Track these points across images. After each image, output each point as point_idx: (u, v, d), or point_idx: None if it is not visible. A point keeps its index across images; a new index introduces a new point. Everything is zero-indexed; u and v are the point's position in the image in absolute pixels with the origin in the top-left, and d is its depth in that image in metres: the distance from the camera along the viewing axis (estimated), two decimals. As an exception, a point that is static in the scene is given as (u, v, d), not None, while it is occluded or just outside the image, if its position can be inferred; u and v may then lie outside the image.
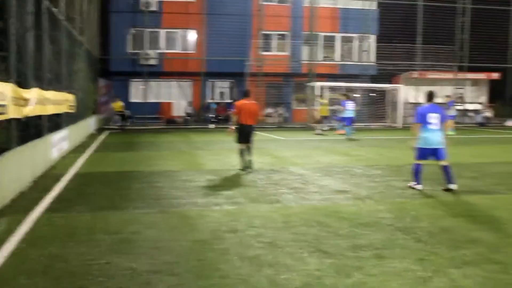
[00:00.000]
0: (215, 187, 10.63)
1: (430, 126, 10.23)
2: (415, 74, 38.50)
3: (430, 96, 10.51)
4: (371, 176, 12.15)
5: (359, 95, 38.05)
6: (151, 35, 34.98)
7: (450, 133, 28.35)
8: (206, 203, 8.98)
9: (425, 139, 10.27)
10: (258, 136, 25.01)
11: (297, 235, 6.92)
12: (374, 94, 37.43)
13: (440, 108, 10.49)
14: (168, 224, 7.47)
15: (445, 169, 10.26)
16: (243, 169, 13.12)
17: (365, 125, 33.64)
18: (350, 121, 24.08)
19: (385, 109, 36.27)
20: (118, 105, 30.54)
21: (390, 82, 38.78)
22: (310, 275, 5.37)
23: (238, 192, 10.07)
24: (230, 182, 11.31)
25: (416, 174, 10.46)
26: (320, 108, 29.36)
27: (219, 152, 17.49)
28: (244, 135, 13.30)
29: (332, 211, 8.37)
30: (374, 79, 37.67)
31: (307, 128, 30.59)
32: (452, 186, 10.17)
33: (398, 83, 37.29)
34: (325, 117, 29.25)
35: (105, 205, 8.82)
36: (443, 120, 10.30)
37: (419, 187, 10.41)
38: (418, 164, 10.44)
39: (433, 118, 10.24)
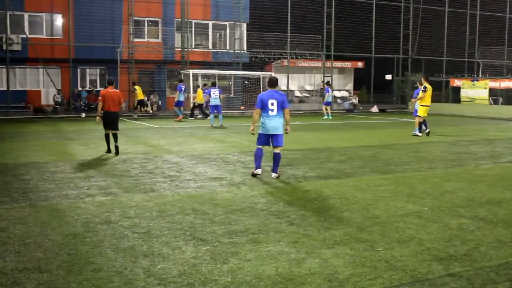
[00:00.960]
0: (87, 178, 10.27)
1: (269, 112, 10.27)
2: (286, 62, 39.67)
3: (271, 82, 10.51)
4: (245, 163, 12.34)
5: (231, 83, 38.55)
6: (13, 18, 32.82)
7: (326, 118, 29.71)
8: (77, 195, 8.65)
9: (264, 124, 10.37)
10: (131, 125, 24.55)
11: (172, 224, 6.88)
12: (246, 82, 38.08)
13: (280, 94, 10.44)
14: (37, 219, 7.10)
15: (275, 156, 10.43)
16: (108, 152, 14.06)
17: (240, 112, 34.15)
18: (215, 108, 24.17)
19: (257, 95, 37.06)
20: None
21: (262, 70, 39.71)
22: (187, 263, 5.38)
23: (112, 182, 9.81)
24: (103, 172, 10.98)
25: (256, 158, 10.50)
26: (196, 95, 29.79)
27: (91, 142, 16.91)
28: (109, 122, 14.14)
29: (208, 198, 8.41)
30: (246, 66, 38.29)
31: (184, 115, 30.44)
32: (276, 175, 10.38)
33: (270, 71, 38.23)
34: (200, 105, 29.42)
35: (-35, 201, 8.20)
36: (281, 106, 10.30)
37: (258, 171, 10.47)
38: (258, 149, 10.50)
39: (272, 105, 10.27)
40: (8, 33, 32.25)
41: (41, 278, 4.96)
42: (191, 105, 30.59)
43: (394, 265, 5.37)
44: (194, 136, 18.91)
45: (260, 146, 10.48)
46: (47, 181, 9.97)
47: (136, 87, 31.04)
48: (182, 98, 28.30)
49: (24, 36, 32.91)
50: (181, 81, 30.00)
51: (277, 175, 10.38)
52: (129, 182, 9.90)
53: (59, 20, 34.47)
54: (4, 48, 32.21)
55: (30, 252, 5.72)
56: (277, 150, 10.43)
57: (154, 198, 8.47)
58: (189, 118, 29.30)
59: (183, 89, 28.60)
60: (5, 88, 32.94)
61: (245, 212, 7.55)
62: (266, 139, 10.44)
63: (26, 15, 33.62)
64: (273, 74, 36.39)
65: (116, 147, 13.97)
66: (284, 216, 7.30)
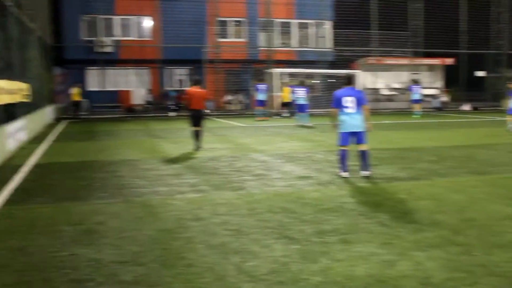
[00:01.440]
0: (177, 175, 10.58)
1: (347, 110, 10.13)
2: (372, 60, 39.00)
3: (347, 79, 10.41)
4: (333, 162, 12.23)
5: (318, 81, 38.39)
6: (105, 22, 34.34)
7: (416, 116, 29.04)
8: (169, 192, 8.93)
9: (344, 122, 10.22)
10: (219, 123, 25.03)
11: (262, 222, 6.95)
12: (334, 80, 37.78)
13: (357, 91, 10.29)
14: (132, 214, 7.40)
15: (362, 154, 10.24)
16: (196, 149, 14.81)
17: (325, 111, 33.91)
18: (302, 108, 24.14)
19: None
20: (76, 92, 30.11)
21: (347, 68, 39.18)
22: (277, 262, 5.41)
23: (201, 180, 10.05)
24: (193, 170, 11.27)
25: (342, 160, 10.33)
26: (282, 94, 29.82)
27: (180, 140, 17.40)
28: (195, 119, 15.05)
29: (296, 197, 8.43)
30: (332, 65, 37.98)
31: (270, 114, 30.65)
32: (366, 173, 10.17)
33: (356, 69, 37.71)
34: (286, 104, 29.49)
35: (67, 196, 8.68)
36: (360, 103, 10.12)
37: (346, 174, 10.24)
38: (342, 150, 10.35)
39: (349, 102, 10.11)
40: (101, 35, 33.76)
41: (136, 271, 5.16)
42: (277, 104, 30.77)
43: (493, 271, 5.15)
44: (280, 135, 19.01)
45: (344, 147, 10.35)
46: (139, 178, 10.36)
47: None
48: (262, 97, 28.27)
49: (116, 38, 34.34)
50: (260, 80, 30.11)
51: (367, 173, 10.22)
52: (218, 180, 10.10)
53: (148, 22, 35.71)
54: (97, 50, 33.80)
55: (126, 245, 5.96)
56: (362, 148, 10.27)
57: (243, 196, 8.59)
58: (275, 117, 29.45)
59: (262, 88, 28.39)
60: (100, 89, 34.58)
61: (334, 211, 7.50)
62: (348, 137, 10.32)
63: (117, 19, 35.07)
64: (359, 72, 35.90)
65: (199, 143, 15.01)
66: (374, 217, 7.19)
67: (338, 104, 10.22)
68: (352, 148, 10.62)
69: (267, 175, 10.60)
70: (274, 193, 8.81)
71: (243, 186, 9.39)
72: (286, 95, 29.47)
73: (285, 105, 30.00)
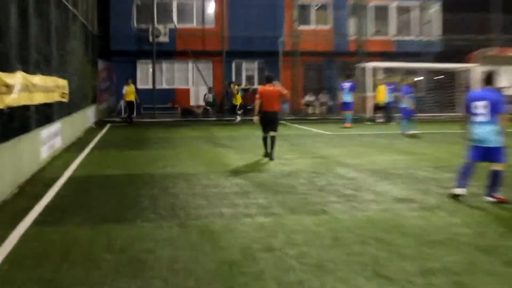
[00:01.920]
0: (244, 194, 10.58)
1: (478, 118, 9.68)
2: (493, 51, 37.91)
3: (485, 78, 9.77)
4: (442, 181, 11.93)
5: (421, 78, 37.70)
6: (160, 7, 35.12)
7: None
8: (233, 214, 8.91)
9: (473, 133, 9.79)
10: (297, 130, 25.02)
11: (350, 256, 6.79)
12: (442, 77, 37.01)
13: (496, 93, 9.68)
14: (187, 241, 7.40)
15: (492, 174, 9.77)
16: (265, 156, 15.52)
17: (431, 116, 33.25)
18: (406, 112, 23.56)
19: (454, 95, 35.81)
20: (131, 90, 30.35)
21: (460, 62, 38.23)
22: (370, 308, 5.23)
23: (274, 200, 9.98)
24: (264, 188, 11.23)
25: (461, 175, 9.97)
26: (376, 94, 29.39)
27: (247, 150, 17.46)
28: (268, 123, 15.51)
29: (394, 225, 8.22)
30: (439, 57, 37.22)
31: (359, 119, 30.37)
32: (491, 199, 9.75)
33: (471, 63, 36.74)
34: (381, 107, 29.08)
35: (108, 216, 8.81)
36: (495, 110, 9.53)
37: (461, 191, 9.93)
38: (467, 163, 9.96)
39: (481, 108, 9.63)
40: (155, 23, 34.53)
41: (192, 313, 5.11)
42: (370, 106, 30.43)
43: None
44: (374, 146, 18.76)
45: (470, 161, 9.95)
46: (198, 196, 10.41)
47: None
48: (348, 99, 27.57)
49: (172, 26, 35.04)
50: (348, 76, 29.77)
51: (493, 199, 9.80)
52: (295, 200, 10.00)
53: (211, 7, 36.25)
54: (151, 40, 34.56)
55: (180, 280, 5.94)
56: (495, 167, 9.79)
57: (326, 222, 8.44)
58: (368, 123, 29.12)
59: (346, 87, 27.75)
60: (150, 86, 35.31)
61: (444, 245, 7.23)
62: (478, 153, 9.82)
63: (174, 3, 35.81)
64: (476, 66, 34.98)
65: (271, 153, 15.36)
66: (497, 253, 6.87)
67: (468, 109, 9.84)
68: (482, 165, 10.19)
69: (357, 196, 10.42)
70: (365, 219, 8.63)
71: (326, 210, 9.25)
72: (381, 95, 29.08)
73: (379, 108, 29.62)
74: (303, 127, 27.08)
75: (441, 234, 7.76)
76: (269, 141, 15.48)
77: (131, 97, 30.23)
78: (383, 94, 28.95)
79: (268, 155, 15.42)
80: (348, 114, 27.38)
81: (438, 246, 7.17)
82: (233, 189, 11.06)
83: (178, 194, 10.55)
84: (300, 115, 34.67)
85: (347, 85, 27.79)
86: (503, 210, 9.25)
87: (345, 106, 27.73)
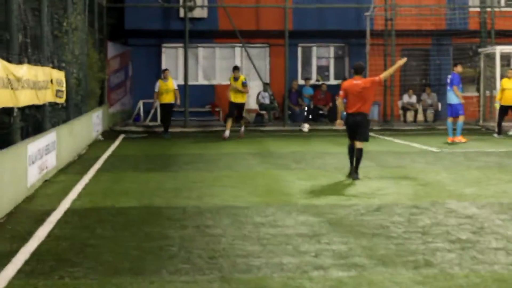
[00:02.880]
0: (315, 237, 10.61)
1: None
2: None
3: None
4: None
5: None
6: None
7: None
8: (298, 266, 8.95)
9: None
10: (390, 146, 24.99)
11: (468, 329, 6.80)
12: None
13: None
14: (233, 303, 7.49)
15: None
16: (349, 175, 16.55)
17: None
18: None
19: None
20: (168, 86, 28.75)
21: None
22: None
23: (357, 246, 10.01)
24: (342, 228, 11.27)
25: None
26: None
27: (319, 173, 17.53)
28: (354, 128, 16.42)
29: (532, 285, 8.16)
30: None
31: (482, 130, 30.06)
32: None
33: None
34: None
35: (122, 266, 8.94)
36: None
37: None
38: None
39: None
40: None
41: None
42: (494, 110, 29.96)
43: None
44: (502, 168, 18.58)
45: None
46: (248, 239, 10.48)
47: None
48: (454, 100, 26.56)
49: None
50: (459, 66, 27.82)
51: None
52: (386, 247, 10.01)
53: (269, -33, 36.42)
54: (182, 15, 34.63)
55: None
56: None
57: (433, 278, 8.43)
58: (496, 136, 28.76)
59: (455, 82, 26.64)
60: (180, 82, 35.33)
61: None
62: None
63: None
64: None
65: (356, 168, 16.49)
66: None
67: None
68: None
69: (478, 242, 10.35)
70: (491, 275, 8.57)
71: (432, 261, 9.22)
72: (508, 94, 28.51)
73: (504, 112, 28.93)
74: (399, 141, 26.92)
75: None
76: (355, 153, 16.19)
77: (169, 98, 28.66)
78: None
79: (351, 173, 16.38)
80: (459, 122, 26.68)
81: None
82: (298, 230, 11.09)
83: (220, 237, 10.63)
84: (394, 124, 34.47)
85: (451, 77, 26.96)
86: None
87: (453, 109, 26.81)
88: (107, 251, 9.70)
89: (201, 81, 36.63)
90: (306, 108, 35.09)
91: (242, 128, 28.62)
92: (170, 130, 30.00)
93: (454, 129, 26.27)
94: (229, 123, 27.53)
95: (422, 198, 14.13)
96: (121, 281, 8.26)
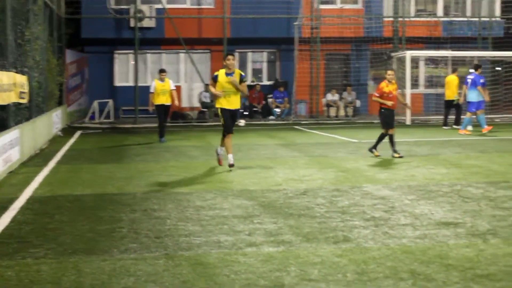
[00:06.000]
0: (248, 218, 10.68)
1: None
2: None
3: None
4: (497, 200, 12.00)
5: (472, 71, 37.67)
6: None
7: None
8: (234, 243, 9.02)
9: None
10: (315, 138, 25.09)
11: (379, 294, 6.90)
12: (499, 69, 37.00)
13: None
14: (176, 276, 7.50)
15: None
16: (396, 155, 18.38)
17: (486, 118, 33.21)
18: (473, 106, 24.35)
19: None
20: (164, 87, 24.52)
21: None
22: None
23: (285, 225, 10.10)
24: (273, 210, 11.35)
25: None
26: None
27: (254, 163, 17.60)
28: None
29: (435, 256, 8.30)
30: (499, 44, 37.18)
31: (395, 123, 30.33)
32: None
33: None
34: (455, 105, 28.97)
35: (78, 246, 8.92)
36: None
37: None
38: None
39: None
40: (138, 3, 34.60)
41: None
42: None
43: None
44: (412, 156, 18.83)
45: None
46: (190, 220, 10.53)
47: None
48: (475, 98, 26.44)
49: (160, 7, 35.12)
50: (477, 67, 27.61)
51: None
52: (311, 225, 10.10)
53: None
54: (132, 24, 34.59)
55: (166, 325, 6.05)
56: None
57: (350, 251, 8.55)
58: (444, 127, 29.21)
59: (472, 80, 26.70)
60: (131, 84, 35.35)
61: (497, 280, 7.31)
62: None
63: (163, -24, 35.95)
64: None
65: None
66: None
67: None
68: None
69: (389, 219, 10.50)
70: (400, 248, 8.70)
71: (350, 237, 9.35)
72: (452, 90, 28.85)
73: (453, 106, 29.28)
74: (324, 134, 27.06)
75: (494, 266, 7.81)
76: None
77: (165, 99, 24.47)
78: (455, 88, 28.68)
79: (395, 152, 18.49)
80: (479, 115, 26.65)
81: (490, 282, 7.23)
82: (234, 212, 11.16)
83: (165, 219, 10.66)
84: (319, 119, 34.73)
85: (474, 78, 26.82)
86: None
87: (471, 106, 26.81)
88: (64, 234, 9.69)
89: (150, 83, 36.29)
90: (242, 106, 35.14)
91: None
92: (122, 126, 29.76)
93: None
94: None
95: (343, 182, 14.29)
96: (77, 260, 8.25)
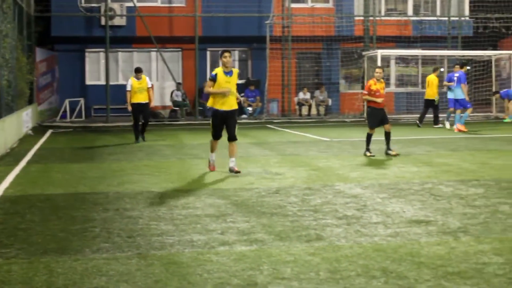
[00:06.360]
0: (221, 217, 10.67)
1: None
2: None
3: None
4: (468, 198, 12.09)
5: (443, 69, 37.93)
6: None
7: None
8: (207, 242, 9.01)
9: None
10: (287, 136, 25.13)
11: (351, 292, 6.91)
12: (468, 68, 37.26)
13: None
14: (148, 276, 7.48)
15: None
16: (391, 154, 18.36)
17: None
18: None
19: (489, 90, 36.01)
20: (142, 85, 23.52)
21: (495, 48, 38.62)
22: None
23: (258, 224, 10.10)
24: (245, 209, 11.36)
25: None
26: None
27: (227, 162, 17.51)
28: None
29: (406, 253, 8.35)
30: (468, 43, 37.45)
31: (366, 122, 30.45)
32: None
33: (509, 49, 37.04)
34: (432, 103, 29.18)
35: (50, 246, 8.86)
36: None
37: None
38: None
39: None
40: (109, 1, 34.47)
41: None
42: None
43: None
44: (383, 154, 18.90)
45: None
46: (163, 219, 10.51)
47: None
48: (461, 95, 26.83)
49: (131, 5, 35.00)
50: (463, 65, 28.51)
51: None
52: (283, 224, 10.11)
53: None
54: (103, 23, 34.51)
55: (139, 325, 6.03)
56: None
57: (322, 250, 8.57)
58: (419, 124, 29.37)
59: (458, 78, 27.15)
60: (102, 82, 35.26)
61: (468, 277, 7.36)
62: None
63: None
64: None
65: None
66: (534, 287, 7.03)
67: None
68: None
69: (361, 217, 10.54)
70: (371, 246, 8.74)
71: (323, 235, 9.37)
72: (433, 90, 29.07)
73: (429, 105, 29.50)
74: (295, 132, 27.10)
75: (465, 264, 7.87)
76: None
77: (143, 97, 23.52)
78: (435, 88, 28.88)
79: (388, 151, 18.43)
80: (466, 113, 27.30)
81: (462, 280, 7.27)
82: (206, 211, 11.14)
83: (138, 218, 10.62)
84: (292, 118, 34.80)
85: (459, 76, 27.24)
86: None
87: (457, 103, 27.19)
88: (36, 234, 9.62)
89: (121, 81, 36.32)
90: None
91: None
92: (94, 125, 29.64)
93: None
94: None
95: (315, 181, 14.33)
96: (49, 260, 8.19)
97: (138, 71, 23.78)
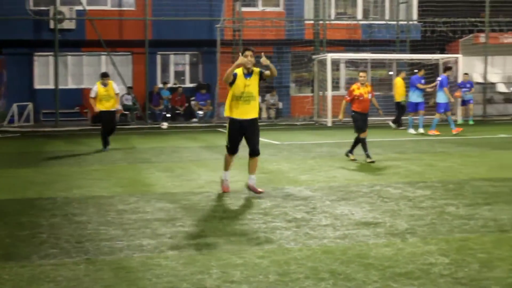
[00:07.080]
0: (171, 221, 10.66)
1: None
2: (483, 38, 38.71)
3: None
4: (415, 200, 12.23)
5: (391, 73, 38.30)
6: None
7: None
8: (156, 246, 8.99)
9: None
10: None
11: (300, 294, 6.94)
12: (416, 70, 37.60)
13: None
14: (97, 281, 7.44)
15: None
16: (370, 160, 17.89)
17: (405, 119, 33.75)
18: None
19: (434, 93, 36.35)
20: (108, 92, 22.40)
21: (443, 51, 39.06)
22: None
23: (207, 228, 10.11)
24: (195, 213, 11.36)
25: None
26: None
27: (176, 166, 17.55)
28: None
29: (355, 255, 8.40)
30: (417, 46, 37.84)
31: (316, 124, 30.69)
32: None
33: (456, 53, 37.50)
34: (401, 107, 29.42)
35: (-4, 252, 8.79)
36: None
37: None
38: None
39: None
40: (58, 4, 34.22)
41: None
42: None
43: None
44: (334, 158, 19.03)
45: None
46: (112, 224, 10.45)
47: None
48: (443, 99, 26.87)
49: (81, 8, 34.79)
50: (446, 69, 28.95)
51: None
52: (233, 227, 10.14)
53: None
54: (52, 26, 34.24)
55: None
56: None
57: (272, 253, 8.59)
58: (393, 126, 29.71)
59: (440, 82, 27.30)
60: (51, 86, 34.99)
61: (415, 278, 7.44)
62: None
63: (83, -22, 35.62)
64: (461, 56, 35.65)
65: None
66: (480, 287, 7.14)
67: None
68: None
69: (311, 220, 10.60)
70: (320, 248, 8.79)
71: (272, 238, 9.40)
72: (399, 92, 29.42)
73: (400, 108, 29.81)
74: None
75: (413, 265, 7.95)
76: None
77: (110, 104, 22.45)
78: (402, 89, 29.24)
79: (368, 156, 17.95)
80: (449, 116, 27.44)
81: (409, 280, 7.35)
82: (156, 215, 11.12)
83: (87, 223, 10.55)
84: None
85: (442, 80, 27.34)
86: (485, 234, 9.52)
87: (439, 107, 27.20)
88: (-18, 240, 9.53)
89: (70, 85, 36.19)
90: (164, 108, 35.30)
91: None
92: (43, 129, 29.39)
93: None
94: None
95: (265, 184, 14.27)
96: (-4, 266, 8.13)
97: (105, 76, 22.77)
